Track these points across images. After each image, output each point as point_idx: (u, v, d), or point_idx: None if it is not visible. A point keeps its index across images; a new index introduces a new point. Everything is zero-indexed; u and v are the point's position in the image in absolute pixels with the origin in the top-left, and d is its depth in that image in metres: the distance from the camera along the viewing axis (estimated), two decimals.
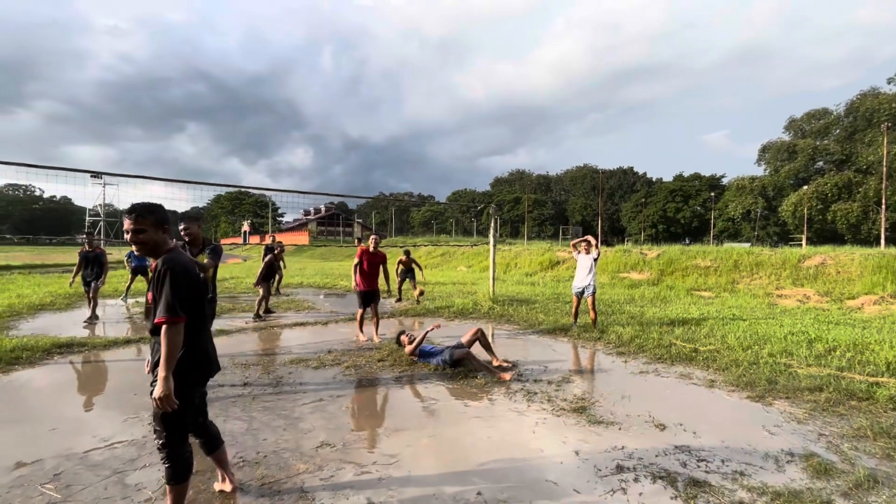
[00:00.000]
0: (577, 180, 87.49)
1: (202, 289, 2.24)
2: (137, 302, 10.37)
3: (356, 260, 6.56)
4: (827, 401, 4.05)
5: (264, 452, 3.03)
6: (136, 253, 2.15)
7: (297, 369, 5.09)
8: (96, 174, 7.56)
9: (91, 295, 8.03)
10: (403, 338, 5.45)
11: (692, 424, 3.59)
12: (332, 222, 78.96)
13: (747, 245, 21.83)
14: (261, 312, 8.46)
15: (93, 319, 7.88)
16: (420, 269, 11.67)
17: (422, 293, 10.58)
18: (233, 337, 6.86)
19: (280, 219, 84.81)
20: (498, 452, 3.10)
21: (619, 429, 3.51)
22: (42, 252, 41.62)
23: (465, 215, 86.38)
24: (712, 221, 57.59)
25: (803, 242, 39.71)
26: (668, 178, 76.53)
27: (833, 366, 5.06)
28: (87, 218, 44.29)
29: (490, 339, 6.63)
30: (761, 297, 11.50)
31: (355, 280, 6.54)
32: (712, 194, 59.53)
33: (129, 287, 10.91)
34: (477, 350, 5.22)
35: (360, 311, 6.62)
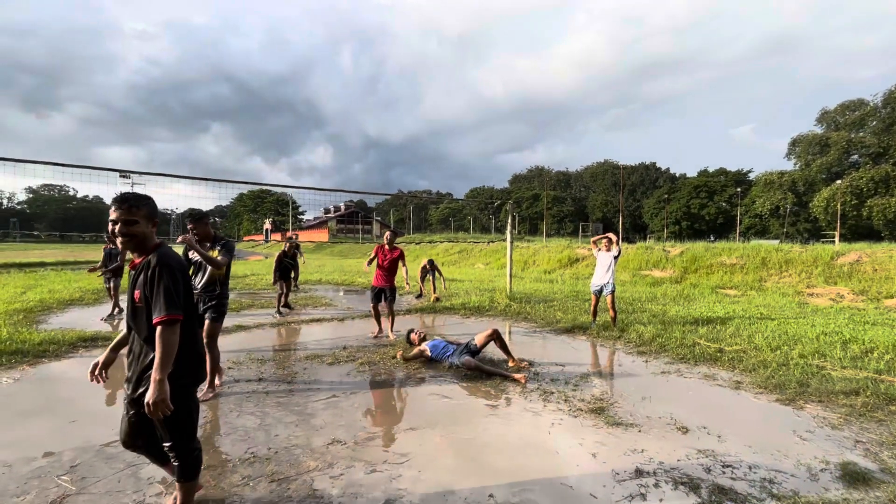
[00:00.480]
0: (597, 176, 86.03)
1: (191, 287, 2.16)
2: None
3: (371, 255, 6.56)
4: (864, 405, 3.82)
5: (275, 448, 3.02)
6: (117, 248, 2.04)
7: (311, 365, 5.10)
8: (125, 174, 7.73)
9: (112, 292, 8.25)
10: (413, 336, 5.35)
11: (717, 428, 3.43)
12: (351, 220, 79.69)
13: (776, 242, 21.03)
14: (280, 309, 8.55)
15: (113, 315, 8.06)
16: (442, 277, 11.50)
17: (437, 299, 10.58)
18: (251, 332, 6.94)
19: (301, 216, 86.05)
20: (512, 453, 3.01)
21: (639, 431, 3.38)
22: (75, 249, 43.26)
23: (482, 212, 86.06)
24: (738, 218, 55.86)
25: (836, 239, 38.12)
26: (692, 173, 74.56)
27: (870, 368, 4.78)
28: None
29: (507, 338, 6.53)
30: (791, 296, 11.05)
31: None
32: (738, 190, 57.69)
33: None
34: (492, 349, 5.13)
35: (371, 305, 6.64)
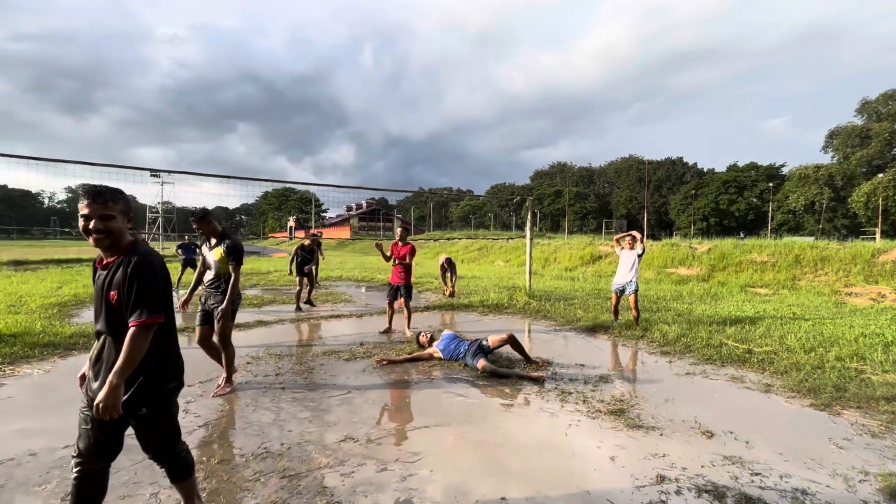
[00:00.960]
0: (621, 172, 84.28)
1: None
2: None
3: (388, 252, 6.55)
4: None
5: (288, 444, 3.02)
6: (93, 244, 1.80)
7: (328, 361, 5.12)
8: (155, 172, 7.95)
9: None
10: (423, 338, 5.24)
11: (744, 433, 3.26)
12: (373, 217, 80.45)
13: (810, 239, 20.07)
14: (301, 304, 8.66)
15: None
16: (454, 274, 11.33)
17: (452, 294, 10.50)
18: (271, 328, 7.03)
19: (324, 214, 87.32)
20: (526, 455, 2.93)
21: (661, 434, 3.24)
22: None
23: (503, 209, 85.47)
24: (770, 214, 53.79)
25: (877, 236, 36.26)
26: (720, 168, 72.28)
27: None
28: (148, 214, 47.81)
29: (526, 336, 6.43)
30: (827, 295, 10.53)
31: None
32: (770, 185, 55.50)
33: (179, 279, 11.54)
34: (509, 348, 5.02)
35: (387, 301, 6.66)
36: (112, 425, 1.86)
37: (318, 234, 10.05)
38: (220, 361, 4.14)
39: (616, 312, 7.17)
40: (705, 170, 78.15)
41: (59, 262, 21.00)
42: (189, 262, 11.42)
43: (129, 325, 1.77)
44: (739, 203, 60.35)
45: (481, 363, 4.59)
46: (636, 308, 6.87)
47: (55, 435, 3.11)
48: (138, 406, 1.88)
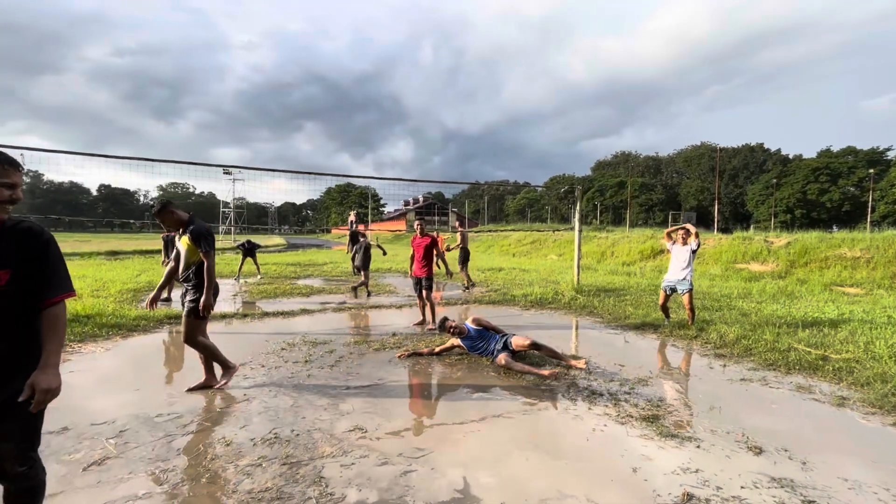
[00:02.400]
0: (692, 161, 78.37)
1: None
2: (246, 282, 11.58)
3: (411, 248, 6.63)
4: None
5: (298, 431, 3.03)
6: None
7: (358, 350, 5.15)
8: (227, 170, 8.49)
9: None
10: (450, 323, 4.97)
11: (802, 451, 2.81)
12: (429, 212, 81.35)
13: None
14: (358, 291, 9.20)
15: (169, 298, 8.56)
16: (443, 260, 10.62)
17: (471, 286, 10.44)
18: (313, 316, 7.25)
19: (382, 209, 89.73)
20: (537, 458, 2.72)
21: (698, 446, 2.88)
22: None
23: (562, 202, 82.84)
24: (870, 204, 47.47)
25: None
26: (809, 154, 64.92)
27: None
28: (222, 210, 52.03)
29: (573, 333, 6.12)
30: None
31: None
32: (872, 172, 48.88)
33: (240, 268, 12.38)
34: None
35: (416, 293, 6.68)
36: None
37: (354, 227, 10.54)
38: (206, 362, 3.84)
39: (666, 311, 6.60)
40: (790, 156, 70.57)
41: (145, 252, 23.31)
42: (249, 252, 12.37)
43: (55, 300, 1.63)
44: (832, 192, 53.83)
45: (501, 358, 4.43)
46: (691, 308, 6.27)
47: (95, 409, 3.36)
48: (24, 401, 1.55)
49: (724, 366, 4.66)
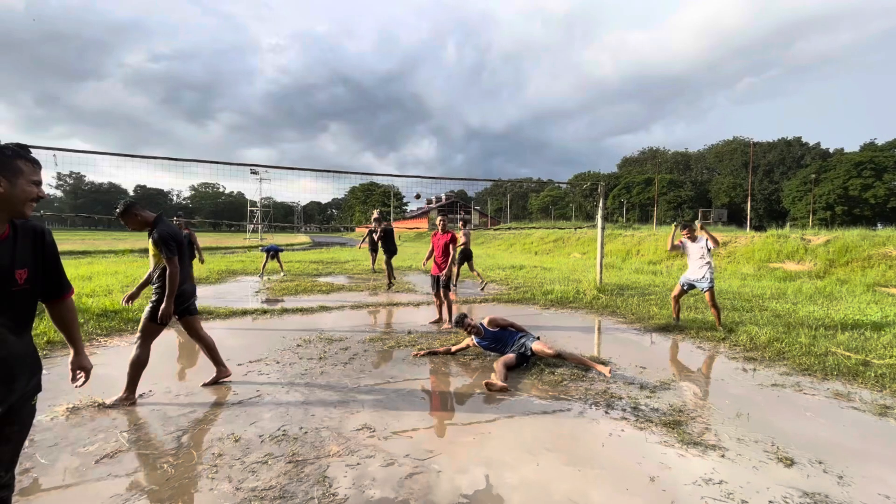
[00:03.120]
0: (723, 156, 75.62)
1: None
2: (270, 279, 11.79)
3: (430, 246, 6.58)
4: None
5: (306, 429, 3.01)
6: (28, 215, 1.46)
7: (373, 347, 5.13)
8: (254, 170, 8.70)
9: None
10: (468, 320, 4.87)
11: (839, 464, 2.61)
12: (451, 210, 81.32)
13: None
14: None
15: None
16: (455, 263, 10.58)
17: (485, 284, 10.46)
18: (332, 313, 7.29)
19: (405, 206, 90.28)
20: (548, 464, 2.61)
21: (722, 455, 2.71)
22: (221, 237, 51.11)
23: (587, 199, 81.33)
24: None
25: None
26: (851, 147, 61.67)
27: None
28: (249, 208, 53.63)
29: (595, 334, 5.95)
30: None
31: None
32: None
33: (264, 266, 12.66)
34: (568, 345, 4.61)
35: (433, 292, 6.62)
36: None
37: (379, 226, 10.81)
38: (210, 356, 3.87)
39: (677, 304, 6.34)
40: (831, 150, 67.22)
41: None
42: (272, 252, 12.76)
43: (66, 296, 1.76)
44: (877, 188, 50.97)
45: (499, 361, 4.28)
46: (713, 305, 5.99)
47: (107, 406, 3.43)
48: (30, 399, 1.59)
49: (755, 370, 4.42)
